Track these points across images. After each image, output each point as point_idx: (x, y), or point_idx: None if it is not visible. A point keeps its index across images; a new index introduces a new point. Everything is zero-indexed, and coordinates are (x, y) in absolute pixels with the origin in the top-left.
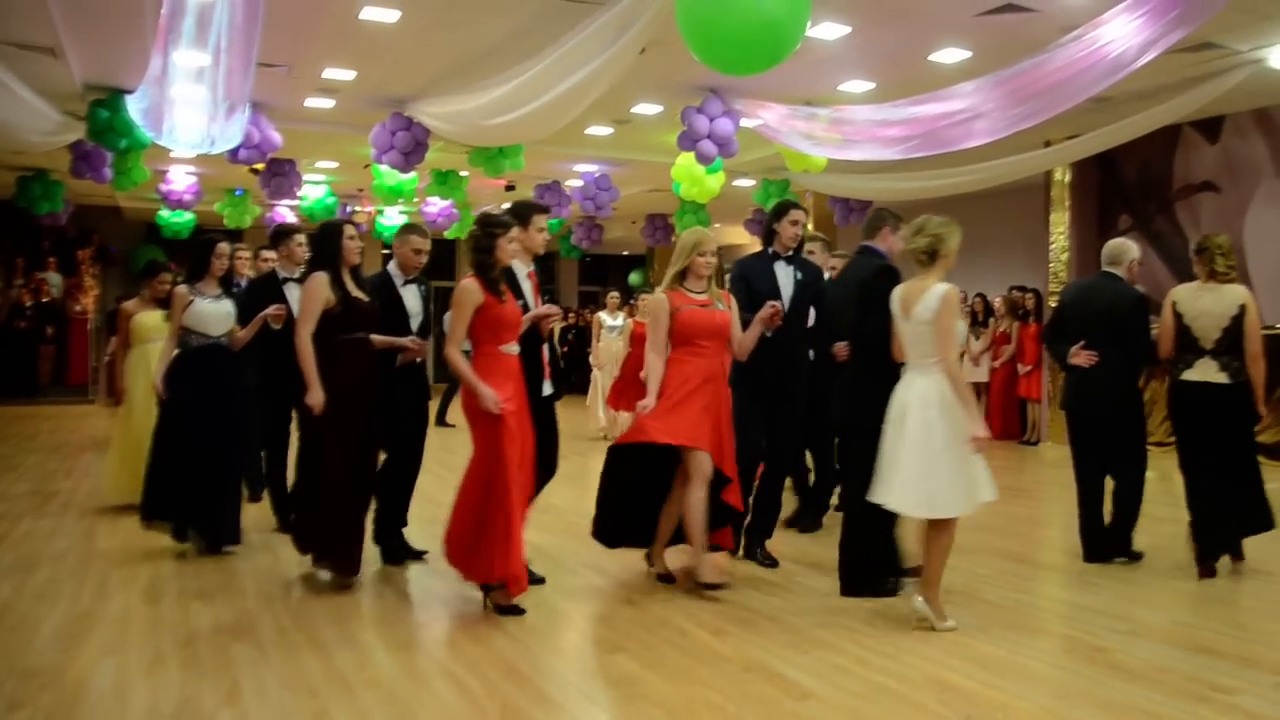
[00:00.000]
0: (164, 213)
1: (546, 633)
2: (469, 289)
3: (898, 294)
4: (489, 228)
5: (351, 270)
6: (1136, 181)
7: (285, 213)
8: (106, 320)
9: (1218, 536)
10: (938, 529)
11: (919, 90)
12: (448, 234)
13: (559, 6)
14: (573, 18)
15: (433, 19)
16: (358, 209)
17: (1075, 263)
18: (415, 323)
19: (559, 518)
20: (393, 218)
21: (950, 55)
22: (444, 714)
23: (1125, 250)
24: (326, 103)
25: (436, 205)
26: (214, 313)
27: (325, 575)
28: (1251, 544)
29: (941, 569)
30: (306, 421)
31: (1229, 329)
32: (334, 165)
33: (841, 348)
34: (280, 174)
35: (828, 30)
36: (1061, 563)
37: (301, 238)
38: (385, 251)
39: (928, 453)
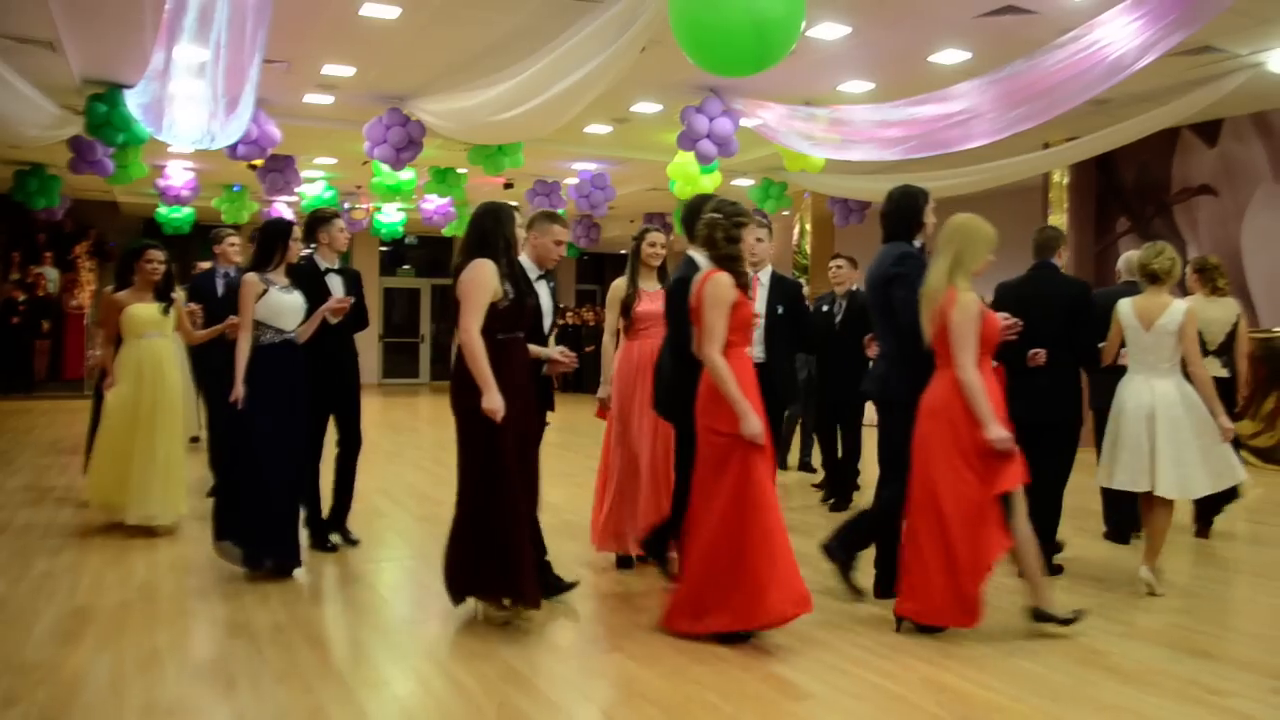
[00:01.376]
0: (163, 210)
1: (543, 632)
2: (725, 283)
3: (1134, 308)
4: (735, 217)
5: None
6: (1135, 184)
7: (283, 209)
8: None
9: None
10: (1165, 508)
11: (919, 91)
12: (445, 231)
13: (559, 4)
14: (573, 16)
15: (433, 16)
16: (356, 206)
17: (1072, 266)
18: (546, 323)
19: (556, 516)
20: (391, 214)
21: (950, 56)
22: (441, 712)
23: None
24: (326, 99)
25: (434, 202)
26: (290, 304)
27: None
28: (1245, 548)
29: (1162, 540)
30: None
31: (1230, 333)
32: (333, 161)
33: (1040, 354)
34: (278, 170)
35: (828, 30)
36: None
37: (342, 223)
38: (383, 248)
39: (1177, 444)
